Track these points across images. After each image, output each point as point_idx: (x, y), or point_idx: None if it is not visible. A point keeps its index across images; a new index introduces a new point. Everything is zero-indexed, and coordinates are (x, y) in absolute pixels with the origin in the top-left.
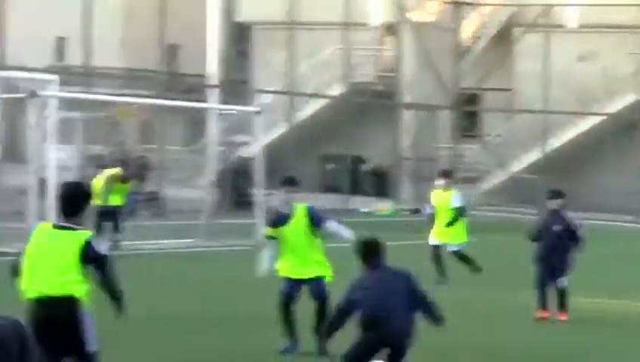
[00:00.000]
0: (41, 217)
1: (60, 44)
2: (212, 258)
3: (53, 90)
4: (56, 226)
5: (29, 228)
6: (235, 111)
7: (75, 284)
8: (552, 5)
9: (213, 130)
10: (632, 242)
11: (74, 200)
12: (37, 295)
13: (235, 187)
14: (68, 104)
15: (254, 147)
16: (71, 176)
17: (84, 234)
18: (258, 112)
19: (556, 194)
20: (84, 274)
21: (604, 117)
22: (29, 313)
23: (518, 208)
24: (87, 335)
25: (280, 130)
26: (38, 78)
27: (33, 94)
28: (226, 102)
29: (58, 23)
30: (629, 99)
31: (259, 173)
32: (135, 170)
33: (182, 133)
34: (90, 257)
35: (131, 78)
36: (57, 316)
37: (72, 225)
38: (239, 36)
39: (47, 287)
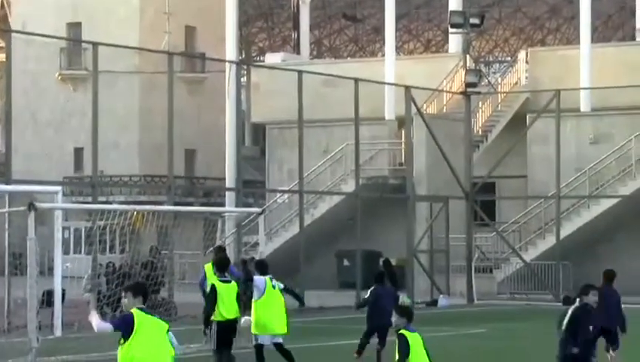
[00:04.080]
0: (46, 330)
1: (78, 155)
2: None
3: (58, 202)
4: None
5: (31, 341)
6: (236, 213)
7: None
8: (564, 90)
9: (225, 232)
10: None
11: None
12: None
13: (245, 289)
14: (81, 214)
15: (260, 247)
16: (80, 287)
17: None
18: (260, 213)
19: None
20: None
21: (619, 199)
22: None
23: (535, 295)
24: None
25: (295, 228)
26: (45, 190)
27: (32, 207)
28: (243, 204)
29: (74, 134)
30: None
31: None
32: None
33: (199, 237)
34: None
35: (148, 185)
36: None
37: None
38: (255, 137)
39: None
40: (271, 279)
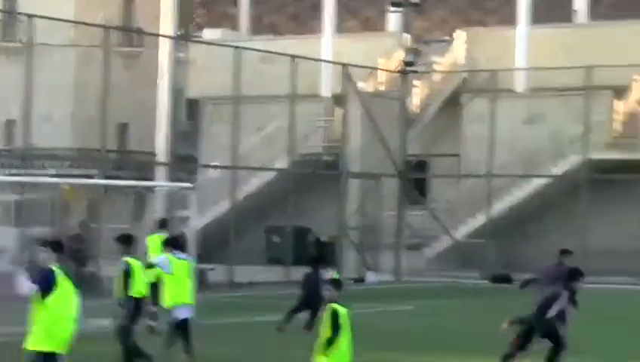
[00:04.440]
0: None
1: (10, 128)
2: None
3: None
4: None
5: None
6: (168, 188)
7: None
8: (499, 70)
9: (155, 206)
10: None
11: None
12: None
13: None
14: (11, 187)
15: (191, 222)
16: (6, 259)
17: None
18: (191, 188)
19: None
20: None
21: (550, 179)
22: None
23: (464, 273)
24: None
25: (227, 203)
26: None
27: None
28: (175, 179)
29: (7, 107)
30: (573, 160)
31: (191, 247)
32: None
33: (130, 211)
34: None
35: (80, 158)
36: None
37: None
38: (188, 112)
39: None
40: (174, 254)
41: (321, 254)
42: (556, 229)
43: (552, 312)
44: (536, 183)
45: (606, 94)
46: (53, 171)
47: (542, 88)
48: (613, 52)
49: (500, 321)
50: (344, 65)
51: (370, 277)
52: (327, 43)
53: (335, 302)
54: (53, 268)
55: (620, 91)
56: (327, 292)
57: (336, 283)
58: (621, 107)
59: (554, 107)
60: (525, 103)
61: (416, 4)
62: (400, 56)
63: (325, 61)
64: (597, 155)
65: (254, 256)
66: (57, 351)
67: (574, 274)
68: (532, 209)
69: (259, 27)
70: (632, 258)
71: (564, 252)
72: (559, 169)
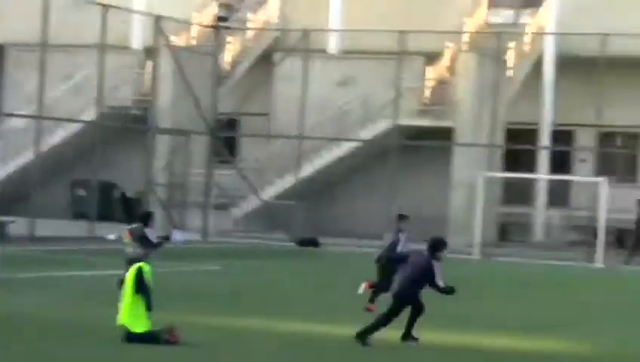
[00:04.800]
0: None
1: None
2: None
3: None
4: None
5: None
6: None
7: None
8: (312, 30)
9: None
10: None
11: None
12: None
13: None
14: None
15: None
16: None
17: None
18: None
19: None
20: None
21: (359, 143)
22: None
23: (271, 234)
24: None
25: (31, 154)
26: None
27: None
28: None
29: None
30: (383, 125)
31: None
32: None
33: None
34: None
35: None
36: None
37: None
38: None
39: None
40: None
41: (127, 211)
42: (364, 193)
43: (448, 292)
44: (346, 147)
45: (418, 60)
46: None
47: (355, 51)
48: (427, 18)
49: (306, 283)
50: (157, 17)
51: (177, 235)
52: None
53: (142, 260)
54: None
55: (433, 57)
56: (136, 249)
57: (146, 242)
58: (431, 73)
59: (366, 71)
60: (338, 65)
61: None
62: (213, 10)
63: (137, 12)
64: (406, 121)
65: (59, 210)
66: None
67: (439, 245)
68: (341, 172)
69: None
70: (437, 224)
71: (402, 217)
72: (369, 133)
